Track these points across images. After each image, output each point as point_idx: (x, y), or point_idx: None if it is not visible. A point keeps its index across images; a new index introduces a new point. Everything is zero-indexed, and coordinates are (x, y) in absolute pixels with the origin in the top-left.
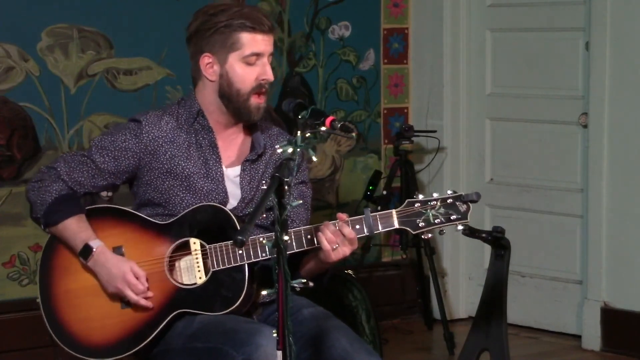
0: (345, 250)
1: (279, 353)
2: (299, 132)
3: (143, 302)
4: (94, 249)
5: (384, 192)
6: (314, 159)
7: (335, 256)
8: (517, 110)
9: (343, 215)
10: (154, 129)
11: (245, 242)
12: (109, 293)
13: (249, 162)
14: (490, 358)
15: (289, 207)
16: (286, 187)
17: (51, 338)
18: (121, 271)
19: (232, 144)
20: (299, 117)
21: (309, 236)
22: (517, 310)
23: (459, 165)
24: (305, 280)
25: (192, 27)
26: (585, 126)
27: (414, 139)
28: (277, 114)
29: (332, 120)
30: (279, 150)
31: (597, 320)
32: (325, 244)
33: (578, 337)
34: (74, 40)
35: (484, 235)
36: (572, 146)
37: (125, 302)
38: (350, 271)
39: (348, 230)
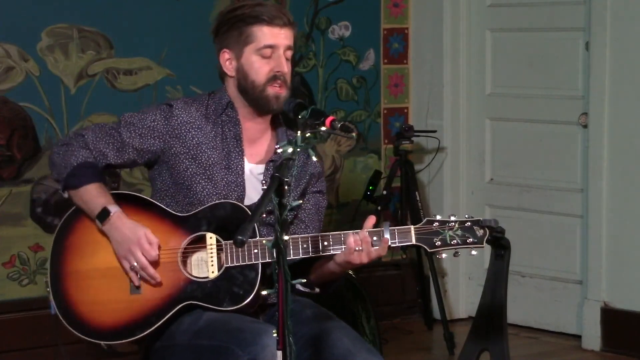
0: (364, 257)
1: (279, 353)
2: (299, 132)
3: (151, 270)
4: (112, 213)
5: (384, 192)
6: (314, 159)
7: (355, 257)
8: (517, 110)
9: (373, 217)
10: (184, 114)
11: (245, 242)
12: (120, 256)
13: (274, 162)
14: (490, 358)
15: (289, 207)
16: (286, 187)
17: (55, 316)
18: (135, 235)
19: (258, 142)
20: (299, 117)
21: (325, 243)
22: (517, 310)
23: (459, 165)
24: (304, 280)
25: (212, 27)
26: (585, 126)
27: (414, 139)
28: None
29: (332, 120)
30: (279, 151)
31: (597, 320)
32: (351, 242)
33: (578, 337)
34: (74, 40)
35: None
36: (572, 146)
37: (135, 285)
38: (350, 271)
39: (385, 238)
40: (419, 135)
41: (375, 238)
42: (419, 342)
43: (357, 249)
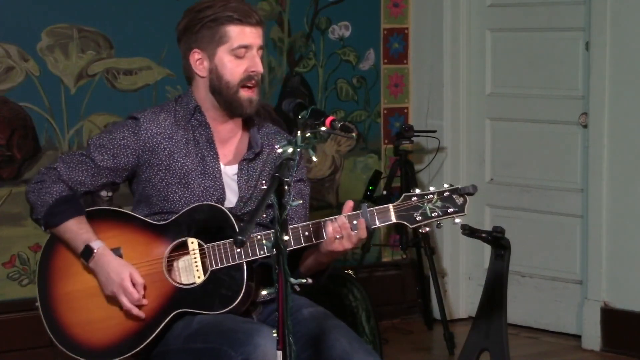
0: (346, 244)
1: (279, 353)
2: (299, 132)
3: (135, 311)
4: (95, 250)
5: (384, 192)
6: (314, 159)
7: (337, 246)
8: (517, 110)
9: (351, 203)
10: (152, 126)
11: (245, 242)
12: (106, 295)
13: (247, 161)
14: (490, 358)
15: (288, 207)
16: (286, 187)
17: (50, 341)
18: (119, 277)
19: (229, 142)
20: (299, 117)
21: (306, 233)
22: (517, 310)
23: (459, 165)
24: (305, 280)
25: (180, 26)
26: (585, 126)
27: (414, 139)
28: (277, 114)
29: (332, 120)
30: (279, 151)
31: (597, 320)
32: (330, 231)
33: (578, 337)
34: (74, 40)
35: (484, 235)
36: (572, 146)
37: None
38: (350, 271)
39: (361, 220)
40: (419, 135)
41: (355, 222)
42: (419, 342)
43: (337, 237)
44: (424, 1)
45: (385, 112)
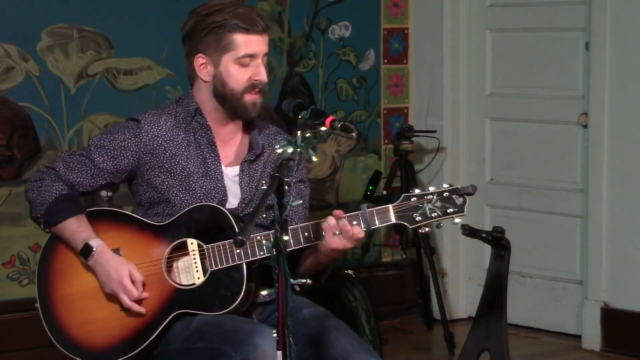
0: (345, 242)
1: (279, 353)
2: (299, 132)
3: (135, 307)
4: (94, 248)
5: (384, 192)
6: (314, 159)
7: (336, 243)
8: (517, 110)
9: (339, 212)
10: (153, 128)
11: (245, 242)
12: (105, 293)
13: (248, 163)
14: (490, 358)
15: (289, 207)
16: (286, 187)
17: (51, 342)
18: (119, 275)
19: (230, 144)
20: (299, 117)
21: (306, 234)
22: (517, 310)
23: (459, 165)
24: (305, 280)
25: (186, 27)
26: (585, 126)
27: (414, 139)
28: (277, 114)
29: (332, 120)
30: (279, 151)
31: (597, 320)
32: (326, 227)
33: (578, 337)
34: (74, 40)
35: (484, 235)
36: (572, 146)
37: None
38: (350, 271)
39: (348, 228)
40: (419, 135)
41: (355, 222)
42: (419, 342)
43: (335, 232)
44: (424, 1)
45: (385, 112)
